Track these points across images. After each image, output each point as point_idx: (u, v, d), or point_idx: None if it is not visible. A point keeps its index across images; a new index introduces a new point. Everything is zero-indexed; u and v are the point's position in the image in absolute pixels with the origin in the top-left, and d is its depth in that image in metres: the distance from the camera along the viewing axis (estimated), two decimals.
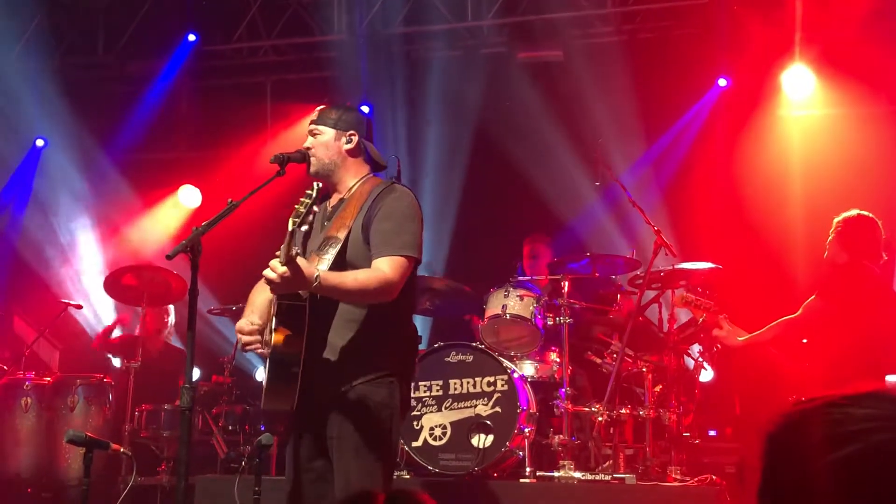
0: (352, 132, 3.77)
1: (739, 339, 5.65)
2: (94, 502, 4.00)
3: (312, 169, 3.76)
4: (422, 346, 7.04)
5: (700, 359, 6.41)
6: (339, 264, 3.47)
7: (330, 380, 3.56)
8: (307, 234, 3.77)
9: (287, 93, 9.42)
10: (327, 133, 3.76)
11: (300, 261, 3.23)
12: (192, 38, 9.22)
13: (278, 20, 9.14)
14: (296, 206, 3.23)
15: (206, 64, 9.55)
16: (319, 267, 3.41)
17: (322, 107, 3.87)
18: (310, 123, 3.83)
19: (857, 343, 5.22)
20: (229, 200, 3.59)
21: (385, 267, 3.50)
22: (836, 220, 5.55)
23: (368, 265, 3.55)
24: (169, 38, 9.23)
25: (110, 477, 6.65)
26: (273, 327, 3.44)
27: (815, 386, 5.15)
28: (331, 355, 3.56)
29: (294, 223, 3.18)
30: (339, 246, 3.50)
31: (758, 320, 5.86)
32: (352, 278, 3.45)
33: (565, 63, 8.50)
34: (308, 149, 3.76)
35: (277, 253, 3.29)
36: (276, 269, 3.20)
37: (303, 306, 3.45)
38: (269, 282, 3.23)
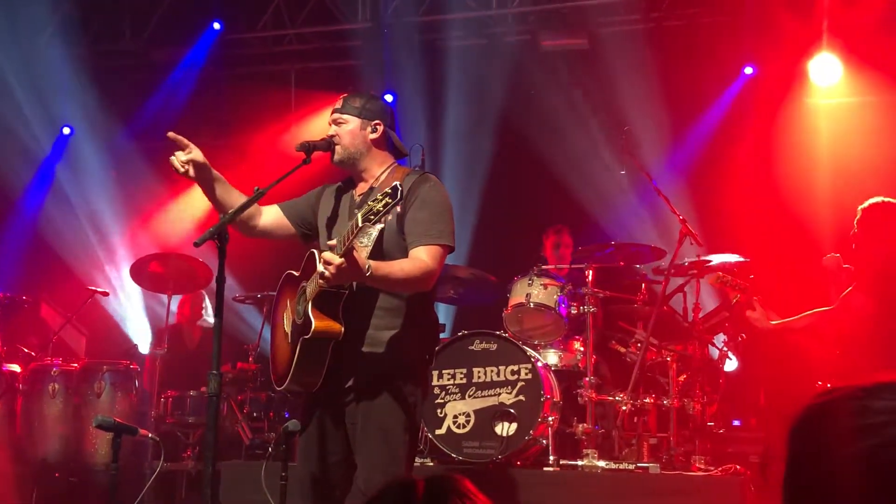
0: (377, 121, 3.77)
1: (772, 322, 5.59)
2: (121, 487, 4.03)
3: (337, 157, 3.76)
4: (445, 335, 7.07)
5: (725, 348, 6.39)
6: (376, 253, 3.49)
7: (358, 366, 3.58)
8: (333, 221, 3.79)
9: (311, 81, 9.44)
10: (352, 122, 3.76)
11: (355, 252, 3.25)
12: (216, 26, 9.26)
13: (302, 8, 9.15)
14: (369, 203, 3.16)
15: (231, 52, 9.58)
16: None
17: (345, 95, 3.86)
18: (333, 112, 3.81)
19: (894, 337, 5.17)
20: (256, 188, 3.61)
21: (425, 256, 3.54)
22: (860, 208, 5.48)
23: (402, 253, 3.58)
24: (194, 26, 9.26)
25: (136, 462, 6.71)
26: (308, 312, 3.46)
27: (843, 377, 5.10)
28: (363, 343, 3.58)
29: (369, 220, 3.14)
30: (375, 235, 3.51)
31: (785, 309, 5.82)
32: (398, 268, 3.48)
33: (590, 51, 8.46)
34: (333, 137, 3.76)
35: (330, 243, 3.30)
36: (332, 260, 3.20)
37: (341, 293, 3.48)
38: (323, 272, 3.23)
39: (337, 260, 3.20)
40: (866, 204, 5.45)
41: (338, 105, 3.81)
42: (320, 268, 3.25)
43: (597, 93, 8.23)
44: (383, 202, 3.14)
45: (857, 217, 5.47)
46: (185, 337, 8.00)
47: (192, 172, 3.57)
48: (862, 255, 5.45)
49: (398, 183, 3.17)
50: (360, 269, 3.26)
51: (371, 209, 3.15)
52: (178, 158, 3.57)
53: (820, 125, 8.09)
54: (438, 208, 3.63)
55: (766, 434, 7.15)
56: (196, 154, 3.58)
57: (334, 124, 3.78)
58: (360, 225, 3.16)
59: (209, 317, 8.21)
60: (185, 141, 3.59)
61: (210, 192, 3.69)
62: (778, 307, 5.87)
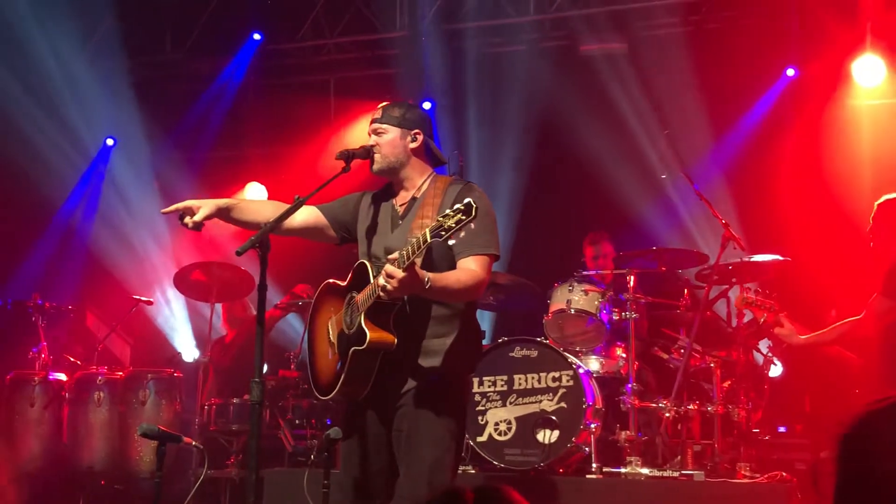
0: (417, 131, 3.78)
1: (801, 337, 5.43)
2: (166, 495, 4.06)
3: (376, 166, 3.77)
4: (486, 342, 7.04)
5: (769, 354, 6.30)
6: (427, 264, 3.51)
7: (407, 375, 3.60)
8: (373, 230, 3.79)
9: (350, 90, 9.49)
10: (392, 131, 3.76)
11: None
12: (256, 37, 9.35)
13: (341, 18, 9.21)
14: (439, 218, 3.17)
15: (272, 62, 9.67)
16: None
17: (384, 104, 3.86)
18: (372, 122, 3.81)
19: None
20: (296, 197, 3.63)
21: (475, 266, 3.56)
22: (876, 203, 5.35)
23: (448, 262, 3.59)
24: (234, 37, 9.37)
25: (181, 470, 6.77)
26: (361, 324, 3.48)
27: (886, 383, 5.00)
28: (413, 352, 3.60)
29: (439, 236, 3.14)
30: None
31: (826, 312, 5.73)
32: (454, 279, 3.51)
33: (630, 55, 8.42)
34: (372, 147, 3.77)
35: (391, 257, 3.31)
36: (395, 274, 3.23)
37: (394, 304, 3.49)
38: (385, 286, 3.26)
39: (400, 274, 3.22)
40: (882, 199, 5.33)
41: (377, 115, 3.82)
42: (381, 281, 3.28)
43: (637, 97, 8.17)
44: (455, 219, 3.13)
45: (873, 213, 5.34)
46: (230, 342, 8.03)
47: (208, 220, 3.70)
48: (879, 254, 5.33)
49: (471, 200, 3.15)
50: (420, 282, 3.30)
51: (441, 225, 3.14)
52: (190, 223, 3.66)
53: (863, 126, 7.98)
54: (485, 219, 3.61)
55: (813, 441, 7.04)
56: (203, 212, 3.67)
57: (374, 134, 3.79)
58: (428, 240, 3.16)
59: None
60: (187, 205, 3.69)
61: (232, 223, 3.82)
62: (819, 310, 5.77)
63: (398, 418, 3.61)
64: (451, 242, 3.26)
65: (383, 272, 3.27)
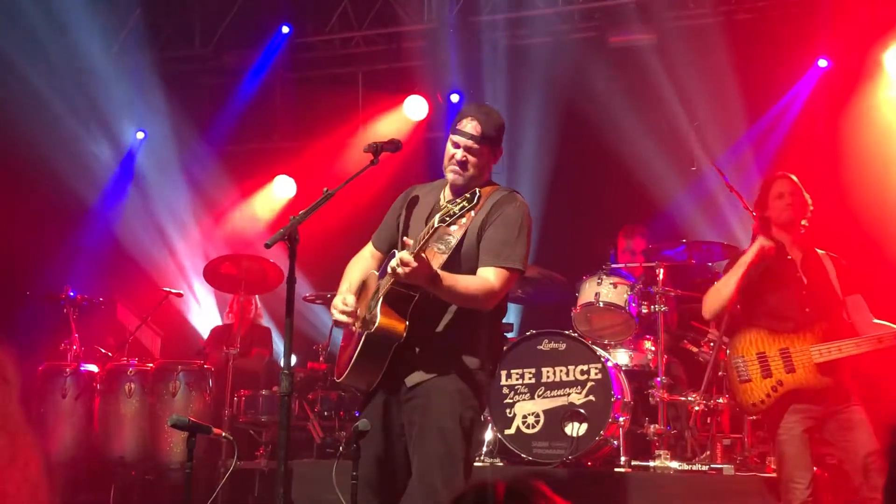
0: (501, 149, 3.77)
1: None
2: (196, 485, 4.09)
3: (460, 181, 3.66)
4: (513, 334, 7.04)
5: None
6: (453, 261, 3.53)
7: (421, 368, 3.60)
8: (407, 222, 3.79)
9: (378, 82, 9.50)
10: (485, 152, 3.66)
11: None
12: (285, 30, 9.37)
13: (369, 11, 9.22)
14: (448, 205, 3.29)
15: (300, 55, 9.70)
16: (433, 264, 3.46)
17: (473, 114, 3.67)
18: (466, 136, 3.63)
19: None
20: (325, 189, 3.63)
21: (492, 277, 3.55)
22: (788, 182, 5.22)
23: (476, 265, 3.58)
24: (263, 30, 9.40)
25: (210, 461, 6.81)
26: (377, 309, 3.50)
27: None
28: (428, 346, 3.60)
29: (444, 221, 3.26)
30: (454, 244, 3.53)
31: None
32: (463, 285, 3.50)
33: (659, 46, 8.36)
34: (461, 163, 3.63)
35: (406, 241, 3.34)
36: (409, 262, 3.27)
37: (411, 296, 3.52)
38: (396, 270, 3.31)
39: (412, 262, 3.27)
40: (786, 174, 5.21)
41: (473, 132, 3.64)
42: (394, 263, 3.32)
43: (666, 88, 8.11)
44: (460, 205, 3.26)
45: (790, 189, 5.20)
46: (231, 338, 8.02)
47: None
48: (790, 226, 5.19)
49: (478, 189, 3.29)
50: (426, 272, 3.33)
51: (448, 211, 3.27)
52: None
53: None
54: (517, 231, 3.62)
55: None
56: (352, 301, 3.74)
57: (466, 152, 3.65)
58: (436, 227, 3.28)
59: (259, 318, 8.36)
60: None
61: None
62: None
63: (409, 410, 3.62)
64: (459, 233, 3.33)
65: (397, 258, 3.31)
